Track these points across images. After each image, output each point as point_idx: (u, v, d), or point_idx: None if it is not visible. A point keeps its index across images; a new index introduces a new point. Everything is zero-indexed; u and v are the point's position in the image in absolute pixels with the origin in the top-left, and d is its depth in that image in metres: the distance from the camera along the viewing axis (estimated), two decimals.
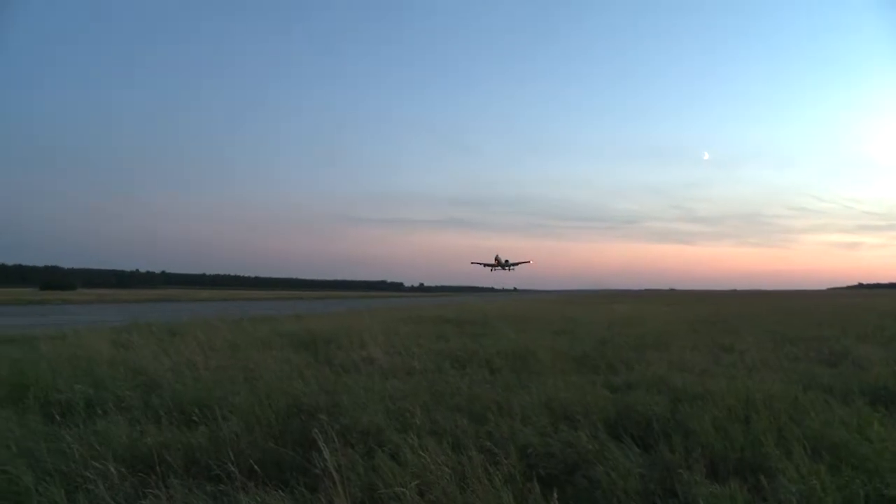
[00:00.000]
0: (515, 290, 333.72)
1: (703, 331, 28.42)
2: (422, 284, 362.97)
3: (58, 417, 9.98)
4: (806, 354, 19.03)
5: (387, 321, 32.71)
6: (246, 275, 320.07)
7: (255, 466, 7.73)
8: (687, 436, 9.00)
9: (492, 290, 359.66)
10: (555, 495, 6.81)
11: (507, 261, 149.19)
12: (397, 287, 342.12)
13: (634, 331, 27.33)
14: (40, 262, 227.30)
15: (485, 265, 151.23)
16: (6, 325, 30.16)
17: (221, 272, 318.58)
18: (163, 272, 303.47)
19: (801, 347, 20.59)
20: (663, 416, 10.10)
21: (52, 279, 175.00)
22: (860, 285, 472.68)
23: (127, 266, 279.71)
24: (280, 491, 7.12)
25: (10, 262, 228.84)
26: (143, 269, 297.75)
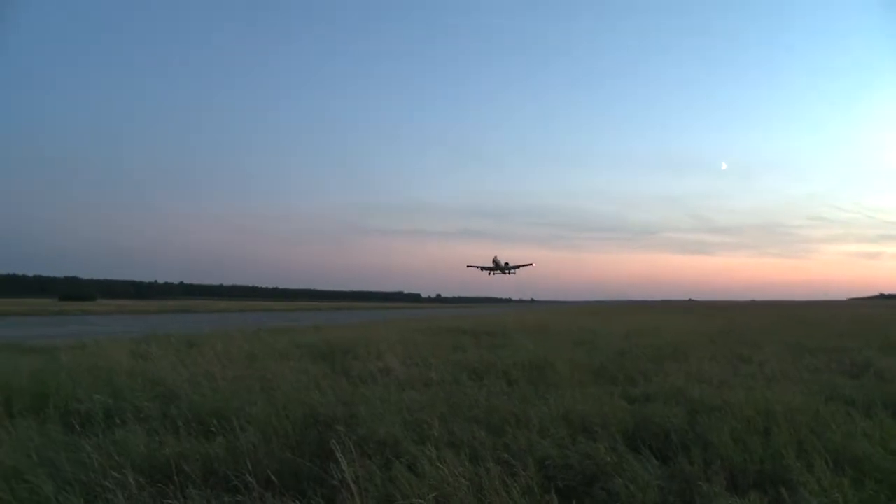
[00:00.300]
0: (533, 300, 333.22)
1: (722, 342, 28.19)
2: (439, 295, 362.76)
3: (77, 427, 10.03)
4: (827, 366, 18.83)
5: (404, 332, 32.68)
6: (264, 286, 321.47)
7: (273, 477, 7.74)
8: (706, 448, 8.93)
9: (509, 301, 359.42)
10: None
11: (506, 264, 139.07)
12: (415, 298, 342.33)
13: (652, 342, 27.15)
14: (60, 273, 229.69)
15: (482, 269, 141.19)
16: (27, 335, 30.42)
17: (239, 283, 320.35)
18: (181, 283, 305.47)
19: (822, 358, 20.37)
20: (682, 428, 10.05)
21: (72, 290, 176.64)
22: (881, 296, 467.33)
23: (145, 277, 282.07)
24: (297, 501, 7.13)
25: (30, 273, 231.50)
26: (161, 280, 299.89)
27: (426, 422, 10.10)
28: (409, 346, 23.59)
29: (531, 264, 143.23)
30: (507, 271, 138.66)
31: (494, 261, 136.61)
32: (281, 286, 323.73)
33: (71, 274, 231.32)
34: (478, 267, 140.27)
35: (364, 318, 65.53)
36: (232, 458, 8.43)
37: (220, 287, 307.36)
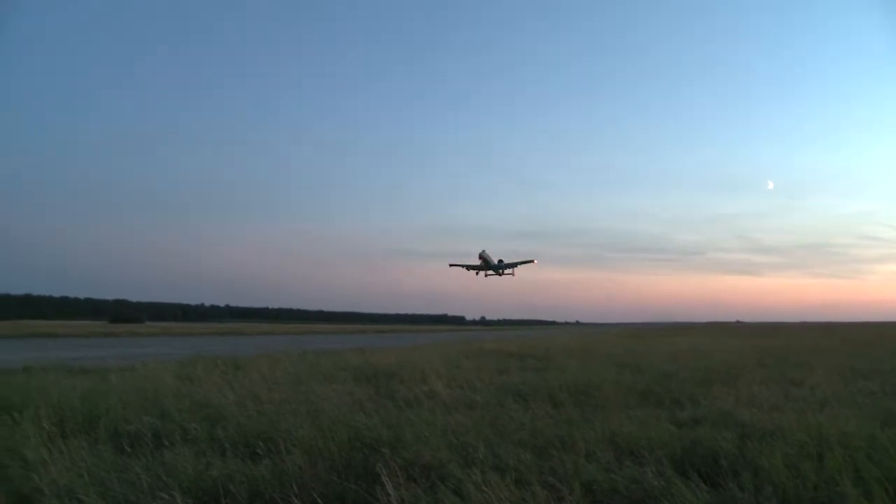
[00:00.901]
0: (578, 322, 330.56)
1: (772, 364, 27.62)
2: (483, 318, 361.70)
3: (127, 448, 10.17)
4: (882, 389, 18.32)
5: (448, 355, 32.60)
6: (309, 308, 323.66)
7: (319, 500, 7.75)
8: (756, 473, 8.73)
9: (554, 323, 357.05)
10: None
11: (500, 261, 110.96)
12: (459, 321, 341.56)
13: (700, 364, 26.74)
14: (110, 295, 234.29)
15: (469, 268, 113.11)
16: (78, 356, 31.00)
17: (285, 306, 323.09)
18: (227, 306, 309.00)
19: (877, 382, 19.85)
20: (731, 453, 9.84)
21: (121, 312, 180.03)
22: None
23: (192, 300, 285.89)
24: None
25: (81, 296, 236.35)
26: (207, 303, 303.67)
27: (471, 445, 10.06)
28: (454, 368, 23.54)
29: (532, 261, 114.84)
30: (500, 271, 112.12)
31: (482, 257, 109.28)
32: (326, 309, 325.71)
33: (120, 297, 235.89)
34: (463, 266, 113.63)
35: (408, 340, 65.54)
36: (278, 481, 8.47)
37: (266, 310, 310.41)
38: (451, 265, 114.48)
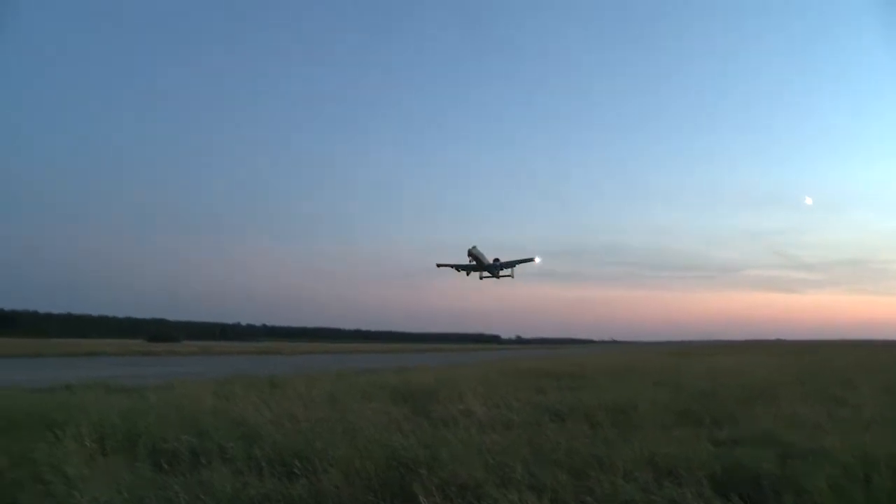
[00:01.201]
0: (614, 341, 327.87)
1: (814, 383, 27.07)
2: (518, 337, 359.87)
3: (165, 466, 10.27)
4: None
5: (484, 374, 32.53)
6: (346, 328, 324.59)
7: None
8: (799, 494, 8.57)
9: (590, 341, 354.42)
10: None
11: (495, 260, 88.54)
12: (494, 340, 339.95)
13: (739, 382, 26.36)
14: (148, 314, 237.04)
15: (458, 268, 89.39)
16: (118, 375, 31.35)
17: (322, 325, 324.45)
18: (263, 325, 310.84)
19: None
20: (773, 474, 9.67)
21: (159, 331, 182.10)
22: None
23: (229, 319, 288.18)
24: None
25: (121, 314, 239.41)
26: (245, 322, 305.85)
27: (508, 465, 9.99)
28: (490, 387, 23.44)
29: (532, 259, 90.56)
30: (496, 272, 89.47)
31: (472, 254, 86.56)
32: (363, 328, 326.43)
33: (158, 316, 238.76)
34: (451, 266, 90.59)
35: (444, 359, 65.54)
36: (315, 500, 8.49)
37: (304, 329, 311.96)
38: (438, 265, 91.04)
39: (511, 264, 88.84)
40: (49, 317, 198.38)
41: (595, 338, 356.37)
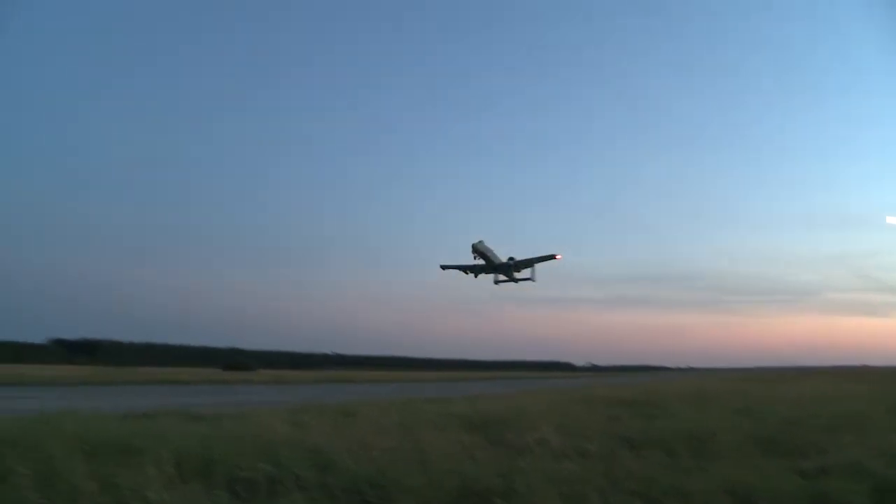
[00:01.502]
0: (691, 368, 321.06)
1: None
2: (592, 364, 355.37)
3: (242, 493, 10.36)
4: None
5: (558, 402, 32.14)
6: (415, 356, 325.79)
7: None
8: None
9: (666, 368, 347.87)
10: None
11: (510, 259, 77.06)
12: (568, 367, 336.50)
13: (824, 410, 25.36)
14: (223, 343, 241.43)
15: (467, 270, 78.75)
16: (195, 403, 31.92)
17: (392, 353, 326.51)
18: (336, 354, 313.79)
19: None
20: None
21: (234, 360, 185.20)
22: None
23: (302, 348, 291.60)
24: None
25: (196, 343, 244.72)
26: (317, 351, 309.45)
27: (583, 494, 9.80)
28: (564, 415, 23.12)
29: (555, 256, 78.08)
30: (510, 274, 77.88)
31: (477, 250, 74.51)
32: (434, 356, 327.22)
33: (233, 345, 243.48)
34: (458, 267, 79.89)
35: (517, 387, 65.05)
36: None
37: (375, 358, 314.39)
38: (442, 267, 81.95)
39: (528, 263, 78.49)
40: (131, 346, 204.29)
41: (671, 365, 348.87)
